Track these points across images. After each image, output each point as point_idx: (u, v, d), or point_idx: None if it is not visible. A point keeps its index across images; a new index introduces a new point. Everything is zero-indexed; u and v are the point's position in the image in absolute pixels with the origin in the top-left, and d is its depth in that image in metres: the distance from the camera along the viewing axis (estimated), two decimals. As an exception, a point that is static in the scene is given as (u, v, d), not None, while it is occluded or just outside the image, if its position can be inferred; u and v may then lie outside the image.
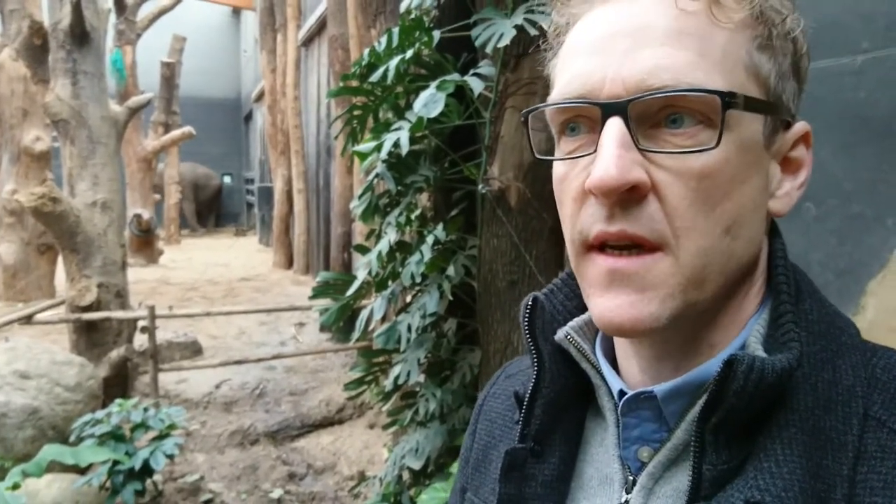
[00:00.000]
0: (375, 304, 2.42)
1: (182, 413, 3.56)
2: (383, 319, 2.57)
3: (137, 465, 3.11)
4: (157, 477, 3.63)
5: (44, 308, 5.55)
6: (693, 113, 0.45)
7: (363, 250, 2.50)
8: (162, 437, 3.35)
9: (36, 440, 3.65)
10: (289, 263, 12.10)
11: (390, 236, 2.33)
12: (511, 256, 2.10)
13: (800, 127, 0.51)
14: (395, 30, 2.21)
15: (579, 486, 0.57)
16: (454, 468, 2.16)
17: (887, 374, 0.48)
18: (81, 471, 3.41)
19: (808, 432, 0.45)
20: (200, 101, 21.13)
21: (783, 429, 0.45)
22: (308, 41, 10.62)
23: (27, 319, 5.06)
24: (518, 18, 1.87)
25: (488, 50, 1.91)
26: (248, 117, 21.21)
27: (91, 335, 5.03)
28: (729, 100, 0.44)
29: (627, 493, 0.53)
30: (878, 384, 0.47)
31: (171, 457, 3.24)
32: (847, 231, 1.39)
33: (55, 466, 3.23)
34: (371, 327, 2.48)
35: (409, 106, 2.25)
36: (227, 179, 22.79)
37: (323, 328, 7.00)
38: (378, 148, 2.08)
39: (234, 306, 7.61)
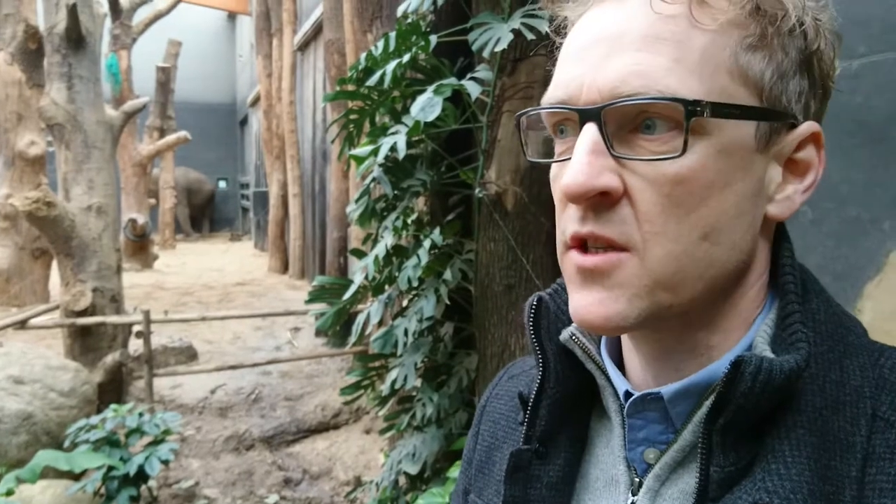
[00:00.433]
0: (372, 309, 2.41)
1: (177, 418, 3.54)
2: (380, 324, 2.56)
3: (132, 470, 3.10)
4: (151, 483, 3.61)
5: (38, 313, 5.53)
6: (666, 119, 0.45)
7: (360, 254, 2.50)
8: (157, 442, 3.33)
9: (30, 446, 3.62)
10: (284, 268, 12.08)
11: (387, 240, 2.32)
12: (508, 260, 2.10)
13: (806, 128, 0.49)
14: (392, 34, 2.22)
15: (584, 487, 0.56)
16: (451, 473, 2.15)
17: (895, 375, 0.48)
18: (76, 477, 3.39)
19: (816, 433, 0.45)
20: (196, 106, 21.11)
21: (791, 430, 0.45)
22: (304, 46, 10.63)
23: (21, 324, 5.04)
24: (515, 23, 1.87)
25: (485, 54, 1.91)
26: (244, 122, 21.20)
27: (86, 340, 5.01)
28: (692, 108, 0.44)
29: (633, 494, 0.52)
30: (887, 385, 0.47)
31: (166, 462, 3.22)
32: (843, 234, 1.39)
33: (49, 472, 3.21)
34: (367, 332, 2.48)
35: (405, 110, 2.25)
36: (222, 184, 22.76)
37: (319, 333, 6.98)
38: (375, 152, 2.08)
39: (229, 311, 7.59)
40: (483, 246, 2.17)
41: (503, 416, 0.67)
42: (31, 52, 7.94)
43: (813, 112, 0.50)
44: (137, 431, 3.31)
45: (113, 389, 4.87)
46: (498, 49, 1.87)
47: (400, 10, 2.35)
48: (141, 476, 3.15)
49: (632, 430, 0.53)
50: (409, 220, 2.41)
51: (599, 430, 0.58)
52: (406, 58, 2.13)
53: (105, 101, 5.66)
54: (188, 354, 6.23)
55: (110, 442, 3.22)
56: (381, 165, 2.26)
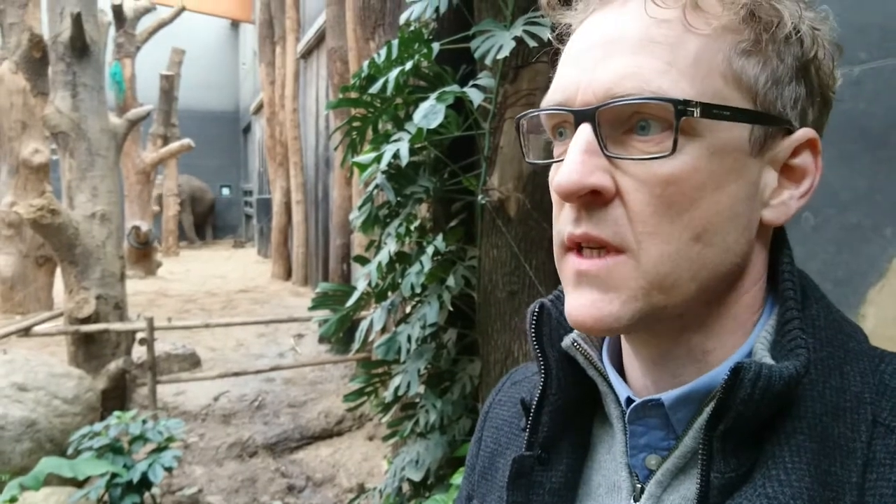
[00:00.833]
0: (375, 315, 2.42)
1: (180, 425, 3.54)
2: (383, 330, 2.57)
3: (136, 477, 3.10)
4: (155, 490, 3.61)
5: (42, 320, 5.54)
6: (659, 120, 0.46)
7: (363, 261, 2.50)
8: (160, 449, 3.33)
9: (34, 453, 3.63)
10: (287, 275, 12.09)
11: (390, 247, 2.33)
12: (511, 267, 2.10)
13: (801, 134, 0.49)
14: (395, 42, 2.23)
15: (587, 493, 0.57)
16: (455, 479, 2.15)
17: None
18: (79, 484, 3.39)
19: (816, 439, 0.45)
20: (199, 114, 21.18)
21: (791, 436, 0.45)
22: (307, 53, 10.67)
23: (25, 332, 5.05)
24: (517, 30, 1.88)
25: (488, 61, 1.92)
26: (247, 129, 21.26)
27: (89, 347, 5.01)
28: (682, 108, 0.44)
29: (635, 500, 0.53)
30: (887, 391, 0.47)
31: (169, 469, 3.22)
32: (845, 240, 1.39)
33: (53, 479, 3.21)
34: (371, 338, 2.48)
35: (408, 117, 2.26)
36: (225, 191, 22.81)
37: (322, 339, 6.99)
38: (378, 159, 2.09)
39: (232, 318, 7.60)
40: (486, 252, 2.17)
41: (506, 422, 0.67)
42: (35, 61, 7.98)
43: (812, 120, 0.51)
44: (141, 438, 3.31)
45: (116, 396, 4.88)
46: (500, 56, 1.88)
47: (402, 18, 2.37)
48: (144, 483, 3.15)
49: (633, 436, 0.53)
50: (412, 227, 2.42)
51: (601, 436, 0.58)
52: (409, 65, 2.14)
53: (109, 109, 5.69)
54: (191, 361, 6.23)
55: (114, 449, 3.23)
56: (384, 172, 2.27)
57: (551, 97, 0.51)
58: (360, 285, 2.44)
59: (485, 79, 2.10)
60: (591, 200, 0.47)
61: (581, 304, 0.49)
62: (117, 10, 11.74)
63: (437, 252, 2.18)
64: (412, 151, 2.10)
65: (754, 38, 0.47)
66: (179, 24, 14.52)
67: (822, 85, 0.51)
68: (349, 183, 7.28)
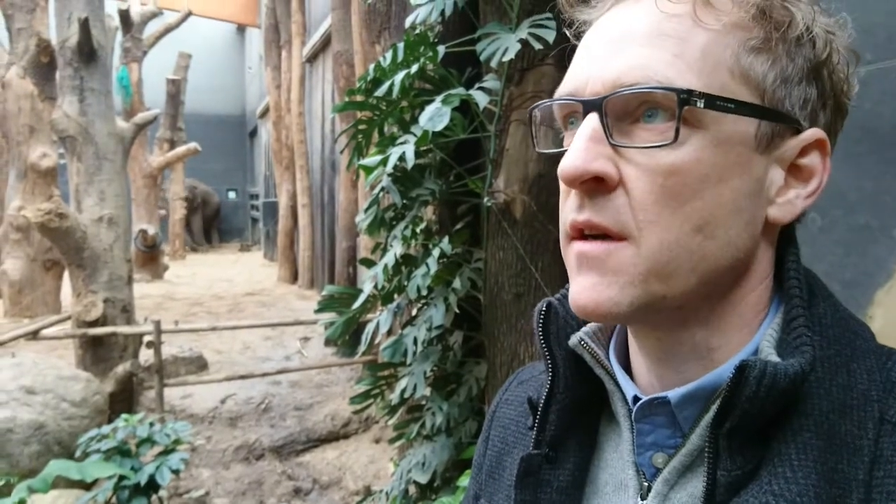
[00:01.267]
0: (381, 318, 2.42)
1: (188, 428, 3.55)
2: (389, 333, 2.57)
3: (143, 480, 3.10)
4: (162, 492, 3.62)
5: (50, 323, 5.56)
6: (665, 109, 0.46)
7: (369, 264, 2.51)
8: (167, 452, 3.34)
9: (42, 455, 3.64)
10: (293, 278, 12.12)
11: (396, 250, 2.33)
12: (517, 269, 2.10)
13: (810, 133, 0.50)
14: (400, 45, 2.23)
15: (594, 491, 0.57)
16: (461, 482, 2.15)
17: None
18: (87, 486, 3.40)
19: (822, 437, 0.45)
20: (205, 118, 21.28)
21: (797, 433, 0.45)
22: (312, 57, 10.70)
23: (33, 335, 5.08)
24: (522, 33, 1.88)
25: (493, 64, 1.92)
26: (253, 133, 21.33)
27: (97, 350, 5.04)
28: (686, 97, 0.45)
29: (642, 499, 0.53)
30: (895, 388, 0.47)
31: (176, 472, 3.23)
32: (852, 242, 1.39)
33: (61, 482, 3.22)
34: (377, 341, 2.48)
35: (414, 120, 2.26)
36: (231, 195, 22.89)
37: (328, 342, 7.00)
38: (383, 162, 2.09)
39: (239, 321, 7.61)
40: (492, 254, 2.17)
41: (513, 421, 0.67)
42: (43, 66, 8.04)
43: (823, 124, 0.51)
44: (148, 441, 3.32)
45: (124, 399, 4.90)
46: (505, 59, 1.88)
47: (408, 22, 2.37)
48: (152, 486, 3.15)
49: (640, 434, 0.54)
50: (417, 230, 2.42)
51: (609, 434, 0.58)
52: (414, 68, 2.14)
53: (116, 113, 5.72)
54: (198, 364, 6.25)
55: (121, 452, 3.23)
56: (389, 175, 2.27)
57: (563, 88, 0.52)
58: (367, 288, 2.45)
59: (490, 81, 2.10)
60: (595, 188, 0.48)
61: (582, 287, 0.49)
62: (124, 15, 11.81)
63: (443, 254, 2.18)
64: (418, 154, 2.10)
65: (764, 36, 0.48)
66: (186, 28, 14.60)
67: (836, 89, 0.51)
68: (355, 186, 7.30)
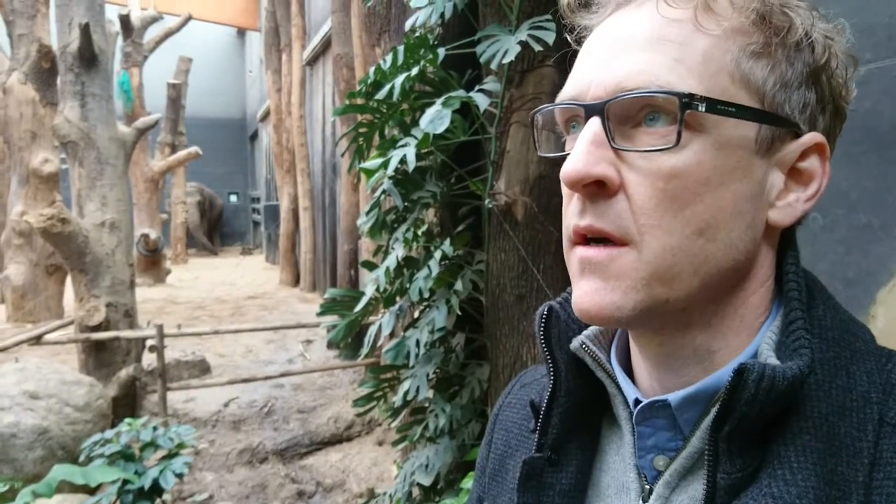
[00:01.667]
0: (383, 320, 2.42)
1: (191, 432, 3.55)
2: (391, 335, 2.57)
3: (147, 484, 3.11)
4: (166, 496, 3.62)
5: (53, 328, 5.57)
6: (667, 113, 0.47)
7: (370, 266, 2.51)
8: (171, 456, 3.34)
9: (46, 460, 3.65)
10: (295, 281, 12.12)
11: (398, 252, 2.33)
12: (518, 270, 2.10)
13: (809, 138, 0.50)
14: (400, 48, 2.24)
15: (596, 494, 0.57)
16: (465, 484, 2.15)
17: None
18: (91, 491, 3.41)
19: (822, 439, 0.45)
20: (206, 122, 21.29)
21: (797, 436, 0.45)
22: (313, 60, 10.71)
23: (36, 340, 5.09)
24: (522, 35, 1.88)
25: (493, 66, 1.93)
26: (254, 136, 21.35)
27: (100, 355, 5.04)
28: (687, 101, 0.45)
29: (644, 501, 0.53)
30: (894, 390, 0.48)
31: (180, 476, 3.23)
32: (854, 241, 1.39)
33: (65, 486, 3.23)
34: (379, 343, 2.48)
35: (414, 122, 2.27)
36: (233, 198, 22.91)
37: (330, 345, 7.00)
38: (384, 164, 2.09)
39: (241, 324, 7.62)
40: (493, 256, 2.18)
41: (516, 424, 0.67)
42: (44, 72, 8.06)
43: (822, 128, 0.51)
44: (152, 445, 3.32)
45: (127, 403, 4.90)
46: (505, 61, 1.88)
47: (408, 24, 2.38)
48: (156, 490, 3.16)
49: (641, 437, 0.54)
50: (419, 232, 2.42)
51: (610, 437, 0.59)
52: (414, 71, 2.14)
53: (117, 118, 5.73)
54: (201, 368, 6.26)
55: (125, 456, 3.24)
56: (390, 178, 2.28)
57: (565, 92, 0.52)
58: (369, 290, 2.45)
59: (490, 83, 2.10)
60: (596, 192, 0.48)
61: (585, 291, 0.50)
62: (125, 20, 11.83)
63: (444, 257, 2.19)
64: (419, 156, 2.10)
65: (764, 41, 0.48)
66: (186, 32, 14.62)
67: (835, 94, 0.51)
68: (356, 189, 7.30)
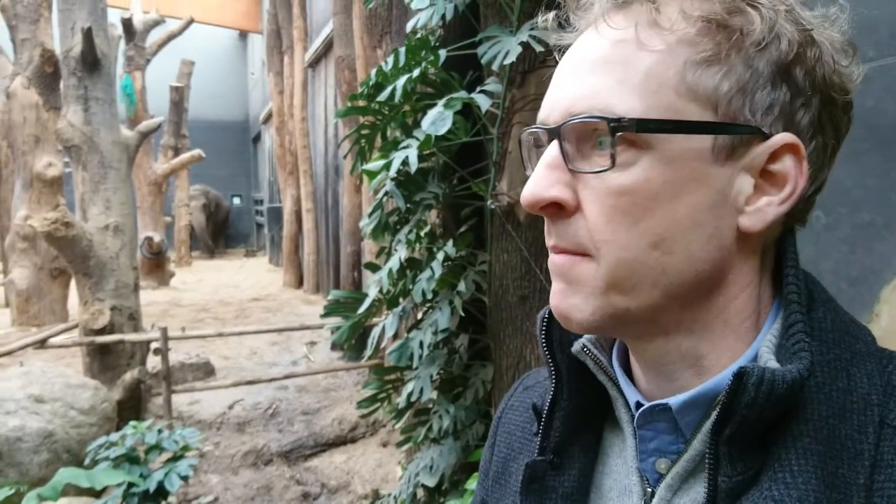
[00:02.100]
0: (387, 322, 2.42)
1: (196, 434, 3.56)
2: (395, 337, 2.57)
3: (152, 487, 3.11)
4: (171, 499, 3.63)
5: (57, 332, 5.59)
6: (607, 135, 0.47)
7: (374, 268, 2.51)
8: (176, 458, 3.35)
9: (51, 463, 3.66)
10: (299, 283, 12.14)
11: (400, 254, 2.34)
12: (521, 271, 2.10)
13: (779, 139, 0.48)
14: (402, 49, 2.24)
15: (599, 497, 0.57)
16: (469, 485, 2.15)
17: None
18: (97, 494, 3.41)
19: (822, 442, 0.45)
20: (209, 124, 21.32)
21: (797, 439, 0.45)
22: (315, 62, 10.73)
23: (41, 343, 5.10)
24: (523, 36, 1.88)
25: (494, 67, 1.93)
26: (257, 139, 21.38)
27: (104, 358, 5.06)
28: (615, 125, 0.46)
29: None
30: (895, 392, 0.47)
31: (185, 478, 3.23)
32: (858, 239, 1.38)
33: (71, 490, 3.24)
34: (383, 345, 2.48)
35: (416, 124, 2.27)
36: (236, 201, 22.94)
37: (334, 347, 7.01)
38: (387, 166, 2.10)
39: (245, 327, 7.63)
40: (496, 257, 2.18)
41: (518, 427, 0.67)
42: (47, 76, 8.08)
43: (806, 123, 0.49)
44: (157, 448, 3.33)
45: (132, 406, 4.91)
46: (507, 62, 1.88)
47: (409, 26, 2.38)
48: (161, 492, 3.16)
49: (643, 440, 0.54)
50: (422, 233, 2.42)
51: (613, 440, 0.59)
52: (416, 72, 2.15)
53: (120, 121, 5.75)
54: (205, 370, 6.27)
55: (130, 459, 3.24)
56: (393, 179, 2.28)
57: (539, 115, 0.54)
58: (372, 292, 2.45)
59: (492, 84, 2.10)
60: (556, 213, 0.51)
61: (553, 293, 0.53)
62: (127, 24, 11.87)
63: (447, 258, 2.19)
64: (421, 158, 2.10)
65: (713, 48, 0.47)
66: (188, 35, 14.64)
67: (819, 85, 0.49)
68: (359, 190, 7.31)
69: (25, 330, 7.75)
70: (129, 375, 4.94)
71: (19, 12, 8.03)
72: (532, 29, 1.90)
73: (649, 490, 0.53)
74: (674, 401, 0.51)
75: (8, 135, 8.49)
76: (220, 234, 21.62)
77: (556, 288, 0.52)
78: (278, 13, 11.86)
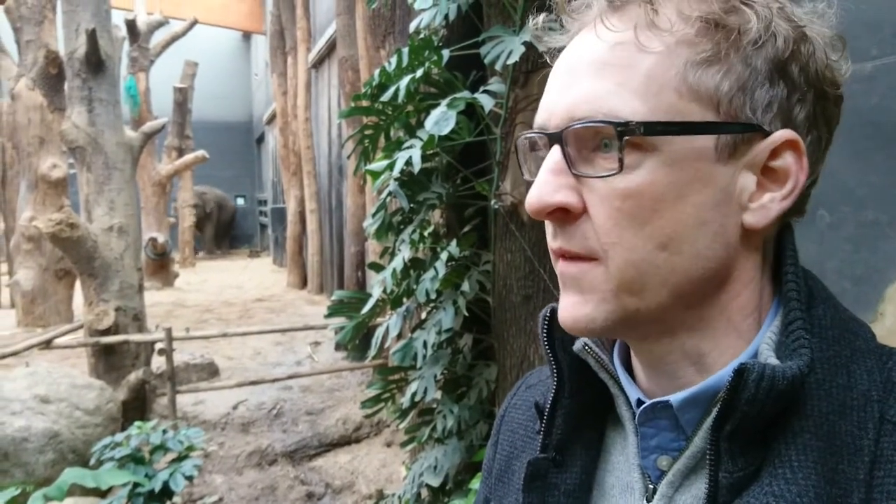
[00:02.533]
0: (391, 322, 2.42)
1: (200, 434, 3.56)
2: (399, 337, 2.58)
3: (157, 487, 3.12)
4: (176, 499, 3.63)
5: (62, 333, 5.60)
6: (613, 139, 0.47)
7: (377, 268, 2.51)
8: (181, 458, 3.35)
9: (57, 464, 3.67)
10: (303, 283, 12.15)
11: (404, 254, 2.34)
12: (525, 271, 2.10)
13: (779, 135, 0.49)
14: (405, 50, 2.24)
15: (601, 494, 0.57)
16: (473, 484, 2.15)
17: None
18: (102, 494, 3.42)
19: (822, 438, 0.45)
20: (213, 125, 21.36)
21: (797, 435, 0.45)
22: (318, 63, 10.74)
23: (46, 344, 5.11)
24: (526, 35, 1.88)
25: (498, 67, 1.93)
26: (260, 139, 21.42)
27: (109, 358, 5.07)
28: (623, 129, 0.46)
29: (648, 501, 0.53)
30: (895, 388, 0.48)
31: (190, 478, 3.24)
32: (862, 238, 1.38)
33: (76, 490, 3.25)
34: (387, 345, 2.49)
35: (420, 124, 2.27)
36: (240, 201, 22.97)
37: (338, 347, 7.01)
38: (390, 166, 2.10)
39: (249, 327, 7.64)
40: (500, 257, 2.18)
41: (521, 425, 0.68)
42: (51, 77, 8.11)
43: (802, 119, 0.50)
44: (161, 448, 3.34)
45: (137, 407, 4.92)
46: (510, 62, 1.89)
47: (412, 26, 2.38)
48: (166, 492, 3.17)
49: (644, 438, 0.54)
50: (425, 233, 2.43)
51: (614, 437, 0.59)
52: (419, 73, 2.15)
53: (124, 122, 5.76)
54: (210, 371, 6.28)
55: (135, 459, 3.25)
56: (396, 179, 2.28)
57: (536, 120, 0.54)
58: (376, 292, 2.45)
59: (495, 84, 2.10)
60: (563, 217, 0.50)
61: (564, 306, 0.52)
62: (131, 25, 11.90)
63: (451, 258, 2.19)
64: (424, 158, 2.11)
65: (713, 48, 0.47)
66: (192, 37, 14.68)
67: (813, 80, 0.50)
68: (362, 191, 7.32)
69: (31, 331, 7.78)
70: (134, 376, 4.95)
71: (24, 14, 8.06)
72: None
73: (651, 487, 0.54)
74: (675, 398, 0.52)
75: (13, 136, 8.52)
76: (225, 234, 21.66)
77: (569, 301, 0.52)
78: (282, 14, 11.88)
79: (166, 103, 14.50)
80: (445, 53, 2.16)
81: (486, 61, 1.96)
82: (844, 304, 0.54)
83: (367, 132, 2.44)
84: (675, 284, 0.49)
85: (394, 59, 2.27)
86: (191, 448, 3.43)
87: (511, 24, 2.04)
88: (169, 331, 4.94)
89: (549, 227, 0.52)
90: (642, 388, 0.56)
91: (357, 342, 2.71)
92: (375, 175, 2.23)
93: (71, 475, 2.83)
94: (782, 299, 0.52)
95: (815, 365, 0.47)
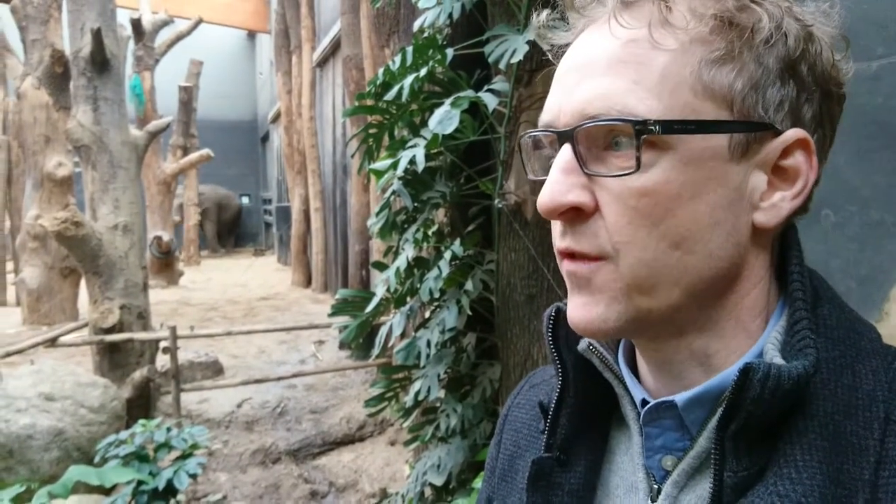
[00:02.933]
0: (394, 321, 2.42)
1: (204, 433, 3.57)
2: (402, 336, 2.58)
3: (161, 485, 3.13)
4: (180, 497, 3.64)
5: (67, 331, 5.62)
6: (629, 136, 0.47)
7: (381, 267, 2.52)
8: (185, 456, 3.36)
9: (61, 461, 3.68)
10: (307, 282, 12.16)
11: (408, 252, 2.34)
12: (529, 270, 2.10)
13: (790, 134, 0.49)
14: (409, 49, 2.24)
15: (605, 494, 0.57)
16: (477, 483, 2.15)
17: None
18: (106, 491, 3.44)
19: (828, 438, 0.45)
20: (217, 124, 21.39)
21: (802, 435, 0.45)
22: (323, 62, 10.74)
23: (51, 342, 5.13)
24: (530, 34, 1.88)
25: (502, 66, 1.93)
26: (265, 138, 21.44)
27: (114, 356, 5.09)
28: (641, 127, 0.46)
29: (653, 501, 0.53)
30: None
31: (194, 476, 3.24)
32: (867, 237, 1.38)
33: (81, 487, 3.26)
34: (390, 344, 2.49)
35: (424, 123, 2.27)
36: (244, 200, 23.01)
37: (342, 345, 7.02)
38: (394, 165, 2.10)
39: (253, 325, 7.65)
40: (504, 256, 2.18)
41: (525, 424, 0.68)
42: (57, 76, 8.14)
43: (810, 118, 0.50)
44: (166, 446, 3.35)
45: (141, 405, 4.94)
46: (514, 61, 1.88)
47: (416, 25, 2.38)
48: (170, 490, 3.18)
49: (649, 437, 0.54)
50: (429, 232, 2.43)
51: (619, 437, 0.59)
52: (423, 71, 2.15)
53: (129, 121, 5.77)
54: (214, 369, 6.29)
55: (139, 457, 3.26)
56: (400, 178, 2.28)
57: (542, 118, 0.53)
58: (380, 291, 2.46)
59: (499, 83, 2.10)
60: (575, 216, 0.50)
61: (574, 306, 0.52)
62: (136, 24, 11.91)
63: (455, 257, 2.19)
64: (428, 157, 2.11)
65: (727, 46, 0.47)
66: (197, 35, 14.70)
67: (820, 80, 0.50)
68: (366, 189, 7.32)
69: (36, 328, 7.81)
70: (139, 374, 4.96)
71: (29, 13, 8.08)
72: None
73: (655, 487, 0.53)
74: (680, 398, 0.52)
75: (18, 135, 8.55)
76: (230, 233, 21.71)
77: (579, 301, 0.51)
78: (286, 13, 11.89)
79: (171, 102, 14.53)
80: (449, 52, 2.15)
81: (490, 60, 1.96)
82: (849, 303, 0.54)
83: (371, 131, 2.44)
84: (688, 284, 0.49)
85: (398, 58, 2.27)
86: (195, 446, 3.44)
87: (515, 23, 2.04)
88: (173, 329, 4.95)
89: (556, 227, 0.52)
90: (647, 388, 0.56)
91: (361, 341, 2.71)
92: (379, 174, 2.23)
93: (75, 473, 2.84)
94: (788, 299, 0.52)
95: (820, 365, 0.47)
